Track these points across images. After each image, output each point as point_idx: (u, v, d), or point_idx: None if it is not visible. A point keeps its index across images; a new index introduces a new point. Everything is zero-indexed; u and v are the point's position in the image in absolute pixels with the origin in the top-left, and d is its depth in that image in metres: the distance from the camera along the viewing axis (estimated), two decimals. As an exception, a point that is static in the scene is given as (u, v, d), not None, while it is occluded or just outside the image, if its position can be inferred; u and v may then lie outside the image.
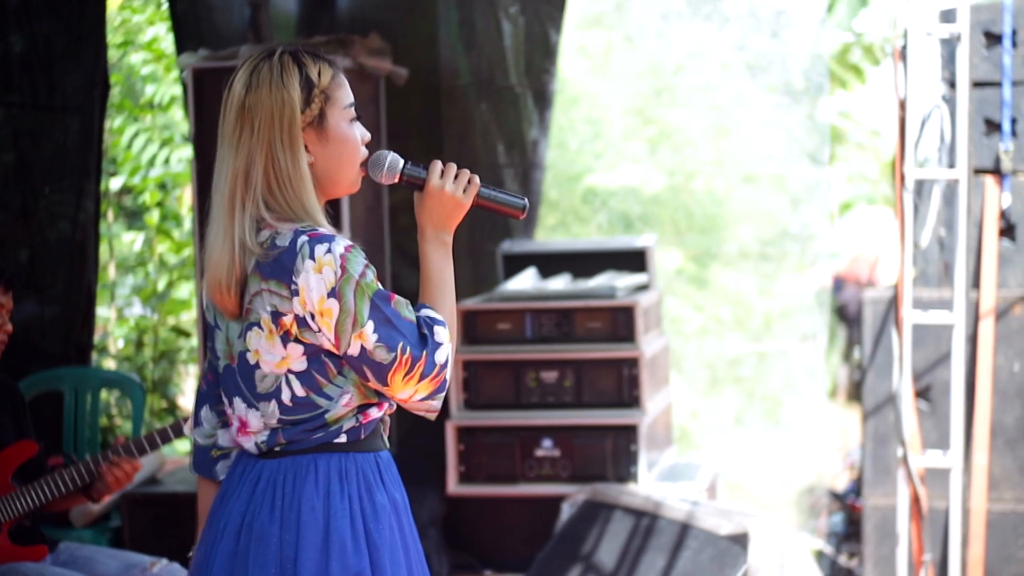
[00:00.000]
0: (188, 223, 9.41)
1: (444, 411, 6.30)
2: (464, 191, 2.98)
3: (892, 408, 6.07)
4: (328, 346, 2.87)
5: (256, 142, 2.90)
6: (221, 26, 7.16)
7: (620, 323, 6.23)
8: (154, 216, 9.45)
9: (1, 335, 4.43)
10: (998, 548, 6.03)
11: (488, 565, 6.24)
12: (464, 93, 7.43)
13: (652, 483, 6.19)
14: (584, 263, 6.96)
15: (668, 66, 9.76)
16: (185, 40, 7.01)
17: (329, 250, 2.83)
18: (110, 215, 9.53)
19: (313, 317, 2.84)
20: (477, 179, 3.00)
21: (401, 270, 7.23)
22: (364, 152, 3.00)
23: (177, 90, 9.09)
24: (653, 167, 9.97)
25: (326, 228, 2.90)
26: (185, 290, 9.30)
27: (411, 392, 2.87)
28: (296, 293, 2.83)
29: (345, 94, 2.98)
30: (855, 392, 12.12)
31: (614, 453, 6.13)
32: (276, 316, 2.87)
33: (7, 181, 6.24)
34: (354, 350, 2.84)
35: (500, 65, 7.45)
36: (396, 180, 3.01)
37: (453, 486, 6.25)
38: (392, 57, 6.72)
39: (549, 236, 9.61)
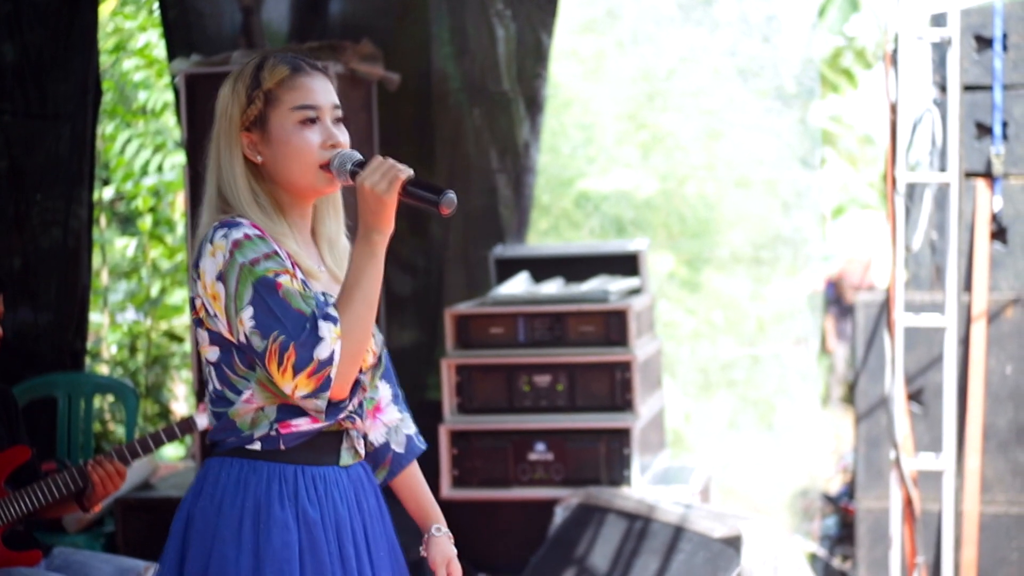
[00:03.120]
0: (181, 228, 9.41)
1: (437, 415, 6.33)
2: (387, 185, 2.83)
3: (885, 411, 6.08)
4: (226, 334, 2.87)
5: (212, 138, 2.99)
6: (212, 32, 7.16)
7: (613, 327, 6.24)
8: (147, 222, 9.45)
9: (-7, 339, 4.44)
10: (991, 550, 6.04)
11: (482, 569, 6.24)
12: (456, 98, 7.44)
13: (645, 486, 6.19)
14: (577, 267, 6.97)
15: (660, 71, 9.78)
16: (177, 46, 7.00)
17: (225, 235, 2.85)
18: (103, 221, 9.53)
19: (210, 302, 2.86)
20: (404, 174, 2.85)
21: (392, 274, 7.23)
22: (322, 155, 2.94)
23: (169, 96, 9.10)
24: (645, 171, 9.99)
25: (245, 220, 2.90)
26: (178, 295, 9.30)
27: (291, 386, 2.79)
28: (199, 277, 2.88)
29: (298, 96, 2.95)
30: (830, 395, 12.14)
31: (607, 457, 6.14)
32: (192, 302, 2.92)
33: (1, 189, 6.24)
34: (241, 337, 2.83)
35: (492, 70, 7.47)
36: (349, 182, 2.94)
37: (446, 490, 6.25)
38: (384, 63, 6.72)
39: (541, 241, 9.62)
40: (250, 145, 2.96)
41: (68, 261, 6.41)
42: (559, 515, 5.96)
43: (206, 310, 2.89)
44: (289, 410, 2.91)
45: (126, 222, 10.20)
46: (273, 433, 2.92)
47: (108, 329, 9.48)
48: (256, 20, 7.00)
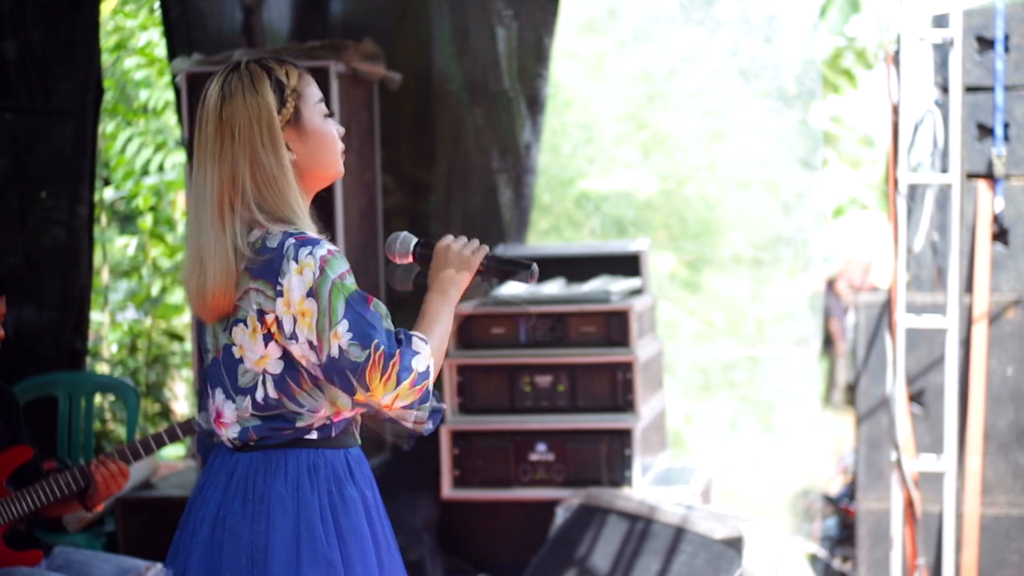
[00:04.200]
0: (181, 227, 9.41)
1: (438, 416, 6.31)
2: (472, 253, 3.14)
3: (886, 412, 6.08)
4: (305, 353, 2.94)
5: (239, 149, 3.01)
6: (214, 31, 7.16)
7: (614, 327, 6.23)
8: (147, 221, 9.44)
9: (-6, 339, 4.44)
10: (991, 552, 6.04)
11: (483, 569, 6.24)
12: (457, 98, 7.43)
13: (646, 487, 6.19)
14: (578, 268, 6.96)
15: (661, 71, 9.77)
16: (178, 45, 7.01)
17: (311, 252, 2.93)
18: (103, 220, 9.53)
19: (296, 320, 2.93)
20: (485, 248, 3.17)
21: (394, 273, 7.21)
22: (341, 145, 3.11)
23: (170, 95, 9.09)
24: (646, 172, 9.97)
25: (313, 232, 3.02)
26: (178, 295, 9.29)
27: (392, 397, 2.93)
28: (280, 294, 2.93)
29: (315, 91, 3.10)
30: (829, 396, 12.13)
31: (608, 457, 6.14)
32: (261, 315, 2.97)
33: (2, 186, 6.24)
34: (333, 351, 2.90)
35: (493, 70, 7.45)
36: (409, 259, 3.18)
37: (447, 490, 6.25)
38: (385, 62, 6.72)
39: (541, 241, 9.61)
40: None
41: (69, 259, 6.41)
42: (560, 516, 5.95)
43: (280, 326, 2.95)
44: None
45: (126, 221, 10.20)
46: (328, 422, 3.04)
47: (108, 328, 9.48)
48: (257, 19, 7.00)
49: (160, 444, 4.48)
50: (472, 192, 7.46)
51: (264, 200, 3.00)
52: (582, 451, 6.16)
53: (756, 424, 9.38)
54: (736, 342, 9.66)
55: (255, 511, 3.01)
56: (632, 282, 6.76)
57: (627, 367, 6.20)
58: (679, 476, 6.51)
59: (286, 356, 2.98)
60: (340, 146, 3.11)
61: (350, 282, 2.94)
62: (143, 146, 9.47)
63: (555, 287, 6.73)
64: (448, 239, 3.15)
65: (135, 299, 9.51)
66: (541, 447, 6.19)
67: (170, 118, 9.45)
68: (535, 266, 3.11)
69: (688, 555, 5.52)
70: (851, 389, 10.01)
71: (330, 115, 3.11)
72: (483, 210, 7.50)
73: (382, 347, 2.89)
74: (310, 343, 2.93)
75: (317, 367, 2.95)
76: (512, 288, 6.70)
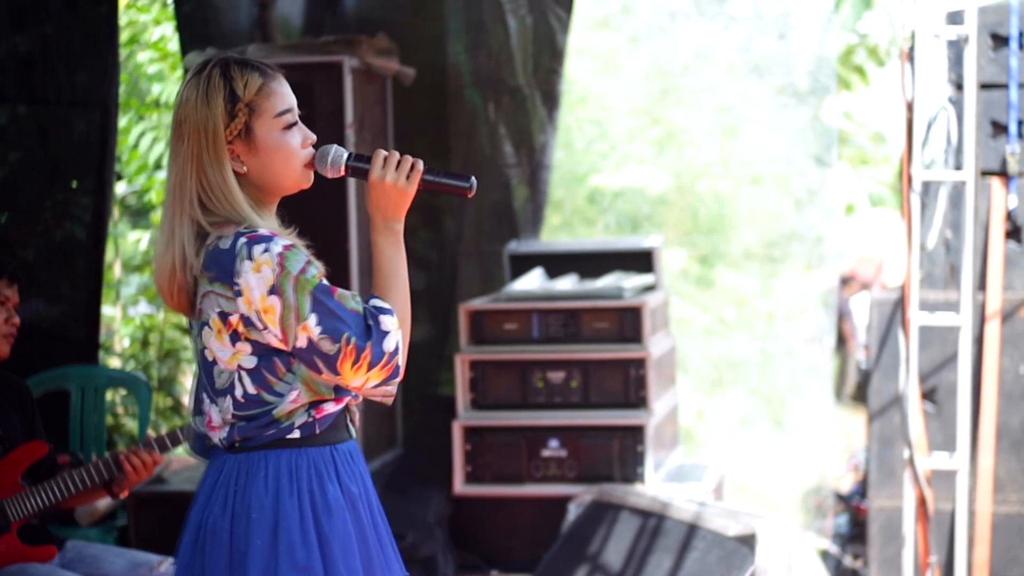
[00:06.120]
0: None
1: (451, 411, 6.32)
2: (407, 178, 3.00)
3: (898, 410, 6.07)
4: (276, 343, 2.95)
5: (186, 155, 3.01)
6: (227, 26, 7.17)
7: (627, 324, 6.23)
8: (159, 215, 9.44)
9: (9, 328, 4.47)
10: (1003, 550, 6.03)
11: (494, 565, 6.24)
12: (471, 93, 7.44)
13: (659, 484, 6.19)
14: (591, 263, 6.96)
15: (674, 67, 9.76)
16: (191, 40, 7.02)
17: (267, 249, 2.91)
18: (115, 214, 9.54)
19: (259, 316, 2.92)
20: (421, 164, 3.02)
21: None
22: (305, 154, 3.05)
23: (183, 89, 9.09)
24: (659, 168, 9.97)
25: (266, 229, 2.98)
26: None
27: (363, 381, 2.93)
28: (239, 294, 2.93)
29: (277, 102, 3.03)
30: (840, 393, 12.11)
31: (621, 454, 6.14)
32: (224, 316, 2.97)
33: (15, 180, 6.24)
34: (302, 343, 2.91)
35: (507, 65, 7.46)
36: (341, 173, 3.06)
37: (460, 486, 6.25)
38: (399, 57, 6.72)
39: (554, 236, 9.60)
40: (234, 157, 3.01)
41: (81, 253, 6.41)
42: (572, 512, 5.95)
43: (246, 323, 2.94)
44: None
45: (138, 215, 10.22)
46: (311, 419, 3.02)
47: (120, 323, 9.50)
48: (271, 14, 7.01)
49: (175, 443, 4.49)
50: (486, 188, 7.45)
51: (210, 203, 2.98)
52: (594, 447, 6.16)
53: (767, 420, 9.37)
54: (747, 338, 9.65)
55: (235, 514, 3.01)
56: (645, 278, 6.76)
57: (640, 363, 6.20)
58: (691, 472, 6.51)
59: (258, 348, 2.97)
60: (303, 157, 3.04)
61: (312, 274, 2.92)
62: (156, 140, 9.49)
63: (568, 283, 6.73)
64: (377, 168, 3.01)
65: (147, 294, 9.52)
66: (553, 443, 6.19)
67: (183, 112, 9.44)
68: (472, 179, 3.02)
69: (701, 552, 5.52)
70: (862, 387, 10.00)
71: (293, 124, 3.04)
72: (497, 206, 7.51)
73: (353, 339, 2.89)
74: (277, 337, 2.93)
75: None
76: (524, 284, 6.70)
